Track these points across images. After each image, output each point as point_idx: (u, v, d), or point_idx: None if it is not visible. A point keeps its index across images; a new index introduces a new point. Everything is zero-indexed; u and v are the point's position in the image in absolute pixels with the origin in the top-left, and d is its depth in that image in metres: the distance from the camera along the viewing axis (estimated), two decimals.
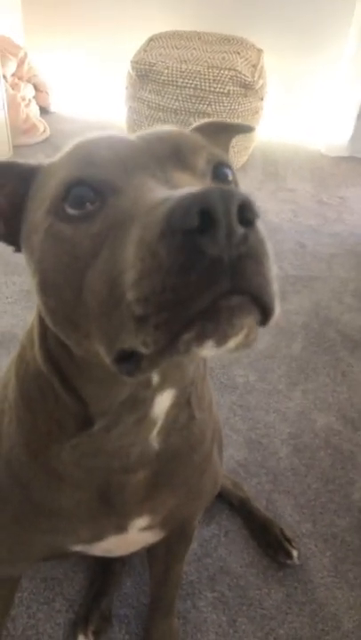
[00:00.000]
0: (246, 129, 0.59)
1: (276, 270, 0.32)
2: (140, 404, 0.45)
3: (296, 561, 0.98)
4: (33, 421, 0.51)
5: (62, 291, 0.36)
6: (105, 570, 0.96)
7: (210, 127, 0.52)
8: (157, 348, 0.31)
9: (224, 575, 0.98)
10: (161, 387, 0.45)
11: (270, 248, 0.31)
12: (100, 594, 0.93)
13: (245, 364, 1.42)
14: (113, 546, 0.60)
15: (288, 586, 0.98)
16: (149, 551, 0.84)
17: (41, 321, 0.47)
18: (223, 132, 0.55)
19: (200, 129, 0.51)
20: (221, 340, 0.31)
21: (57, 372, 0.47)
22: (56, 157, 0.43)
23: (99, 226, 0.35)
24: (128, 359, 0.33)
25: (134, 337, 0.31)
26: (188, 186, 0.34)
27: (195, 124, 0.52)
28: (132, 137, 0.41)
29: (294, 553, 0.98)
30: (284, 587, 0.97)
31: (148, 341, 0.30)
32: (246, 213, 0.29)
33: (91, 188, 0.36)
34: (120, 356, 0.34)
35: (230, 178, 0.41)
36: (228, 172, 0.41)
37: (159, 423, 0.48)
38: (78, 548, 0.60)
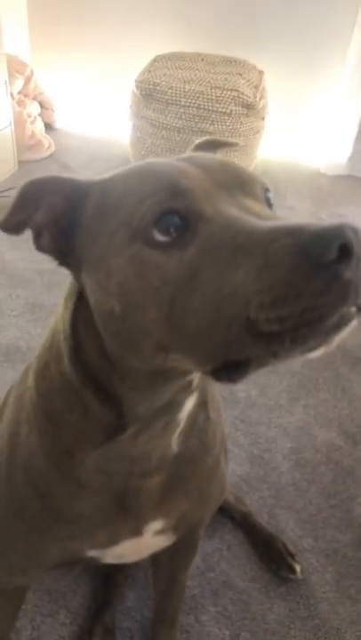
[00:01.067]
0: (235, 144, 0.65)
1: None
2: (174, 407, 0.48)
3: (299, 575, 0.99)
4: (56, 432, 0.52)
5: (148, 311, 0.39)
6: (108, 583, 0.97)
7: (210, 144, 0.56)
8: (289, 356, 0.36)
9: (227, 589, 0.99)
10: (196, 389, 0.47)
11: None
12: (104, 607, 0.93)
13: (247, 379, 1.44)
14: (127, 550, 0.62)
15: (290, 601, 0.98)
16: (154, 563, 0.85)
17: (73, 335, 0.48)
18: (220, 147, 0.59)
19: (203, 145, 0.55)
20: (329, 341, 0.36)
21: (91, 384, 0.48)
22: (109, 175, 0.44)
23: (193, 252, 0.38)
24: (228, 368, 0.38)
25: (260, 349, 0.35)
26: (267, 215, 0.39)
27: (199, 140, 0.56)
28: (184, 164, 0.43)
29: (297, 568, 0.99)
30: (287, 601, 0.98)
31: (281, 353, 0.35)
32: None
33: (180, 217, 0.39)
34: (220, 366, 0.38)
35: (272, 202, 0.45)
36: (270, 196, 0.45)
37: (181, 425, 0.50)
38: (93, 553, 0.61)
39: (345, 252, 0.33)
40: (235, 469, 1.20)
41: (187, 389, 0.47)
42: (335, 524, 1.11)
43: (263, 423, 1.32)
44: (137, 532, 0.58)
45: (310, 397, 1.40)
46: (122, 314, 0.40)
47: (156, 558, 0.83)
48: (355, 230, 0.33)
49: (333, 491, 1.17)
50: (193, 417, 0.52)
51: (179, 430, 0.51)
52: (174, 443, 0.51)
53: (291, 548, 1.03)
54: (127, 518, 0.56)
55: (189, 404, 0.49)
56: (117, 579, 0.97)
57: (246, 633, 0.93)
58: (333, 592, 1.00)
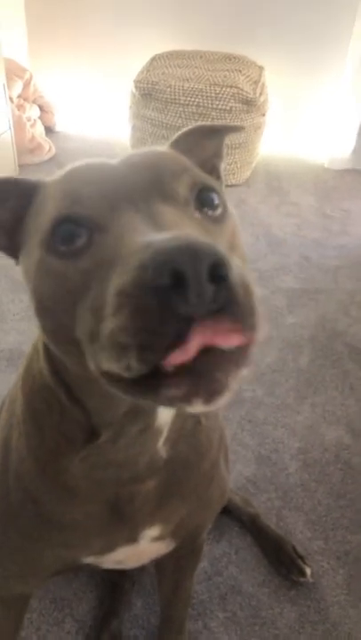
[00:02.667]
0: (234, 129, 0.57)
1: (262, 311, 0.33)
2: (141, 415, 0.45)
3: (310, 579, 0.97)
4: (40, 435, 0.51)
5: (58, 316, 0.38)
6: (115, 590, 0.95)
7: (195, 134, 0.51)
8: (137, 373, 0.31)
9: (235, 595, 0.97)
10: None
11: (249, 287, 0.32)
12: (110, 615, 0.92)
13: (253, 378, 1.42)
14: (124, 557, 0.60)
15: (301, 605, 0.96)
16: (158, 569, 0.83)
17: None
18: (211, 136, 0.53)
19: (186, 137, 0.50)
20: (210, 397, 0.31)
21: (62, 384, 0.47)
22: (55, 177, 0.43)
23: (87, 262, 0.36)
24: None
25: (117, 362, 0.32)
26: (170, 223, 0.35)
27: (179, 132, 0.51)
28: (117, 164, 0.41)
29: (308, 571, 0.97)
30: (297, 606, 0.96)
31: (130, 371, 0.31)
32: (219, 271, 0.29)
33: (77, 225, 0.37)
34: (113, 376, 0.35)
35: (216, 202, 0.41)
36: (214, 196, 0.41)
37: (165, 432, 0.48)
38: (90, 560, 0.60)
39: (179, 279, 0.28)
40: (241, 471, 1.18)
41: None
42: (345, 524, 1.09)
43: (270, 423, 1.30)
44: (132, 539, 0.57)
45: (318, 396, 1.38)
46: (40, 317, 0.40)
47: (159, 565, 0.81)
48: (198, 257, 0.29)
49: (343, 491, 1.15)
50: (179, 424, 0.50)
51: (163, 437, 0.49)
52: (161, 449, 0.50)
53: (300, 550, 1.01)
54: (122, 525, 0.55)
55: (166, 410, 0.46)
56: (124, 586, 0.95)
57: (256, 639, 0.91)
58: (345, 595, 0.98)
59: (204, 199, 0.40)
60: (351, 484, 1.16)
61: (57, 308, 0.38)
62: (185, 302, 0.29)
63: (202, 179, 0.41)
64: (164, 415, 0.47)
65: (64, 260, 0.37)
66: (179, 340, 0.29)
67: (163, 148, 0.44)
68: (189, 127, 0.51)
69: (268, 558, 1.01)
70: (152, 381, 0.31)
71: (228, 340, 0.31)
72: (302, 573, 0.96)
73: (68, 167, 0.43)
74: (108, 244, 0.36)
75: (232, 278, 0.30)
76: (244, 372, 0.32)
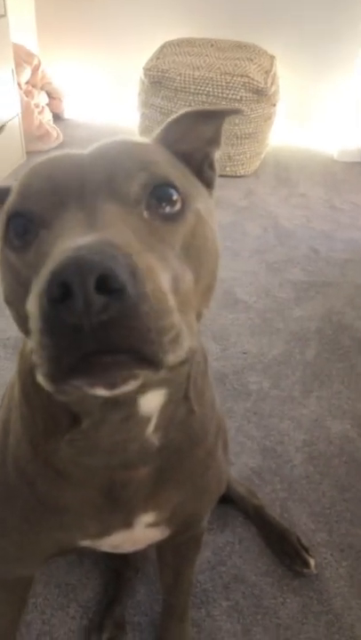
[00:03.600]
0: (231, 112, 0.55)
1: (172, 321, 0.34)
2: (121, 404, 0.45)
3: (313, 570, 0.97)
4: (32, 416, 0.53)
5: (16, 306, 0.41)
6: (118, 577, 0.96)
7: (188, 119, 0.49)
8: (51, 391, 0.34)
9: (239, 584, 0.97)
10: (142, 390, 0.45)
11: (159, 303, 0.33)
12: (114, 601, 0.93)
13: (259, 370, 1.42)
14: (120, 541, 0.61)
15: (304, 595, 0.96)
16: (159, 557, 0.84)
17: None
18: (207, 121, 0.51)
19: (177, 123, 0.49)
20: (109, 387, 0.34)
21: None
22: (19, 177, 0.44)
23: (31, 256, 0.38)
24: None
25: (38, 376, 0.35)
26: (106, 224, 0.36)
27: (170, 118, 0.49)
28: (83, 154, 0.42)
29: (312, 562, 0.97)
30: (300, 596, 0.96)
31: (44, 385, 0.34)
32: (110, 283, 0.30)
33: (27, 220, 0.39)
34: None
35: (174, 197, 0.40)
36: (171, 191, 0.40)
37: (154, 420, 0.48)
38: (86, 543, 0.61)
39: (67, 291, 0.30)
40: (246, 462, 1.18)
41: None
42: (349, 517, 1.09)
43: (276, 415, 1.30)
44: (127, 524, 0.57)
45: (324, 389, 1.38)
46: (7, 306, 0.43)
47: (160, 553, 0.82)
48: (85, 269, 0.30)
49: (347, 484, 1.15)
50: (170, 412, 0.50)
51: (152, 425, 0.49)
52: (152, 437, 0.50)
53: (305, 541, 1.01)
54: (116, 510, 0.55)
55: (151, 401, 0.46)
56: (128, 573, 0.96)
57: (258, 628, 0.92)
58: (348, 587, 0.98)
59: (160, 194, 0.39)
60: (356, 477, 1.16)
61: (15, 299, 0.40)
62: (72, 314, 0.30)
63: (161, 175, 0.40)
64: (150, 404, 0.47)
65: (16, 252, 0.40)
66: (74, 349, 0.31)
67: (127, 139, 0.44)
68: (181, 112, 0.49)
69: (272, 549, 1.01)
70: (62, 372, 0.33)
71: (116, 352, 0.32)
72: (306, 564, 0.97)
73: (34, 161, 0.44)
74: (47, 240, 0.37)
75: (130, 292, 0.31)
76: (149, 369, 0.34)
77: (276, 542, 1.01)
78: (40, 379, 0.34)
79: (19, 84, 2.25)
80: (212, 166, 0.51)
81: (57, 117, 2.66)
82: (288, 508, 1.10)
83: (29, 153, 2.35)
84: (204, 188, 0.49)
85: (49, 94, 2.62)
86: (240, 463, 1.18)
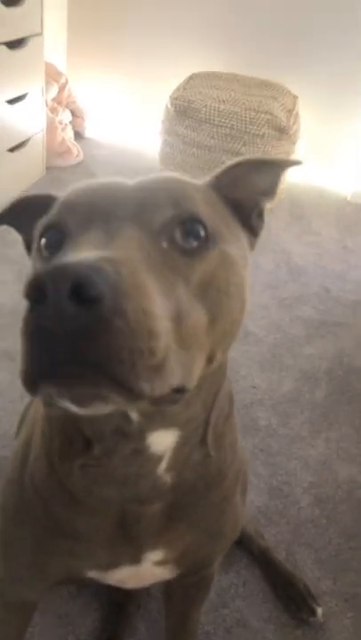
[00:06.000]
0: (289, 164, 0.56)
1: (157, 347, 0.32)
2: (129, 437, 0.45)
3: (320, 619, 0.95)
4: (50, 434, 0.53)
5: None
6: (119, 612, 0.93)
7: (242, 167, 0.50)
8: (23, 381, 0.34)
9: (241, 629, 0.95)
10: (149, 426, 0.45)
11: (140, 324, 0.32)
12: (113, 637, 0.90)
13: (268, 407, 1.41)
14: (126, 576, 0.60)
15: None
16: (166, 597, 0.82)
17: None
18: (261, 170, 0.51)
19: (231, 169, 0.49)
20: (78, 403, 0.34)
21: None
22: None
23: None
24: None
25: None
26: (117, 245, 0.36)
27: (231, 162, 0.50)
28: (130, 183, 0.43)
29: (319, 611, 0.95)
30: None
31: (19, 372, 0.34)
32: (84, 292, 0.30)
33: (59, 232, 0.41)
34: None
35: (202, 233, 0.40)
36: (199, 227, 0.40)
37: (166, 459, 0.48)
38: (93, 574, 0.60)
39: (37, 295, 0.31)
40: (253, 500, 1.16)
41: (126, 420, 0.44)
42: (355, 567, 1.07)
43: (283, 454, 1.28)
44: (136, 559, 0.57)
45: (332, 430, 1.37)
46: None
47: (168, 593, 0.81)
48: (58, 275, 0.30)
49: (355, 532, 1.13)
50: (184, 454, 0.49)
51: (164, 464, 0.48)
52: (165, 475, 0.49)
53: (312, 588, 0.99)
54: (126, 544, 0.55)
55: (162, 439, 0.46)
56: (129, 608, 0.94)
57: None
58: (352, 639, 0.96)
59: (188, 228, 0.40)
60: None
61: None
62: (42, 316, 0.31)
63: (190, 210, 0.41)
64: (160, 442, 0.47)
65: (43, 264, 0.42)
66: (45, 354, 0.32)
67: (172, 176, 0.45)
68: (240, 159, 0.50)
69: (277, 593, 0.99)
70: (34, 376, 0.33)
71: (84, 365, 0.32)
72: (313, 613, 0.95)
73: (82, 181, 0.45)
74: (66, 252, 0.39)
75: (106, 305, 0.30)
76: (120, 392, 0.32)
77: (281, 587, 0.99)
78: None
79: (45, 101, 2.28)
80: (261, 216, 0.52)
81: (78, 135, 2.69)
82: (293, 551, 1.08)
83: (49, 168, 2.37)
84: (244, 235, 0.49)
85: (72, 113, 2.66)
86: (247, 501, 1.16)
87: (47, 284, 0.30)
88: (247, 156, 0.51)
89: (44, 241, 0.42)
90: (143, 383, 0.32)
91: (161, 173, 0.45)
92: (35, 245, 0.44)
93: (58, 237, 0.40)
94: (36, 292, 0.31)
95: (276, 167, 0.54)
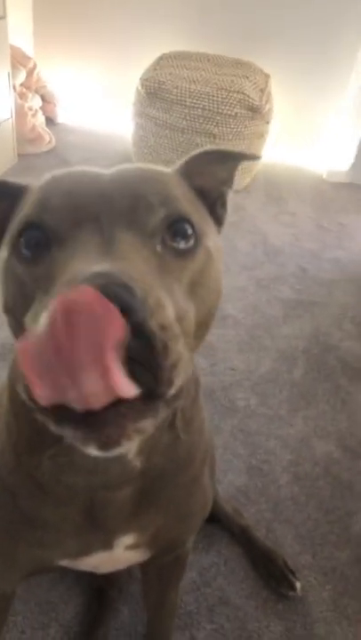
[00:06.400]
0: (248, 157, 0.57)
1: (181, 353, 0.33)
2: None
3: (299, 593, 0.97)
4: (18, 427, 0.52)
5: (15, 316, 0.40)
6: (101, 596, 0.94)
7: (208, 156, 0.51)
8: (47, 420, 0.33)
9: (223, 606, 0.97)
10: None
11: (166, 339, 0.32)
12: (97, 622, 0.91)
13: (247, 387, 1.42)
14: (99, 562, 0.61)
15: (287, 619, 0.96)
16: (144, 579, 0.83)
17: None
18: (224, 160, 0.53)
19: (198, 158, 0.50)
20: (103, 446, 0.32)
21: None
22: (37, 183, 0.44)
23: (40, 272, 0.38)
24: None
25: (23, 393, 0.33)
26: (121, 253, 0.36)
27: (194, 152, 0.50)
28: (104, 175, 0.42)
29: (298, 585, 0.97)
30: (284, 620, 0.96)
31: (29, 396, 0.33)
32: (134, 320, 0.30)
33: (41, 233, 0.39)
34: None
35: (189, 232, 0.41)
36: (187, 227, 0.41)
37: (136, 444, 0.48)
38: (65, 562, 0.60)
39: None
40: (233, 480, 1.18)
41: None
42: (333, 540, 1.09)
43: (262, 433, 1.30)
44: (107, 544, 0.57)
45: (310, 409, 1.39)
46: (4, 313, 0.42)
47: (145, 575, 0.81)
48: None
49: (332, 506, 1.16)
50: (153, 438, 0.50)
51: (134, 449, 0.49)
52: (135, 459, 0.50)
53: (291, 564, 1.01)
54: (97, 531, 0.55)
55: None
56: (111, 593, 0.95)
57: None
58: (331, 612, 0.98)
59: (176, 229, 0.40)
60: (340, 499, 1.17)
61: (15, 308, 0.40)
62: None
63: (179, 210, 0.41)
64: None
65: (23, 264, 0.39)
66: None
67: (151, 171, 0.44)
68: (204, 148, 0.51)
69: (258, 570, 1.01)
70: (59, 416, 0.31)
71: (122, 389, 0.30)
72: (292, 587, 0.97)
73: (51, 173, 0.44)
74: (59, 258, 0.37)
75: (147, 328, 0.31)
76: (148, 422, 0.32)
77: (261, 564, 1.01)
78: (24, 397, 0.33)
79: (13, 86, 2.22)
80: (224, 205, 0.53)
81: (50, 121, 2.64)
82: (273, 529, 1.10)
83: (21, 156, 2.32)
84: (213, 225, 0.49)
85: (43, 98, 2.61)
86: (226, 481, 1.17)
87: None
88: (210, 147, 0.52)
89: (22, 241, 0.40)
90: (169, 388, 0.33)
91: (136, 165, 0.44)
92: (9, 240, 0.41)
93: (39, 237, 0.39)
94: None
95: (235, 159, 0.54)
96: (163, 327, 0.32)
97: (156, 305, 0.33)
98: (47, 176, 0.43)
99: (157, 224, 0.40)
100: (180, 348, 0.34)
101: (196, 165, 0.49)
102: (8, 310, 0.41)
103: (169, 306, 0.35)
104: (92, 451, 0.32)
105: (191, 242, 0.41)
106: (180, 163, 0.49)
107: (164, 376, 0.32)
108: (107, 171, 0.43)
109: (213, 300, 0.43)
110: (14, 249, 0.40)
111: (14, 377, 0.53)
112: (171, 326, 0.33)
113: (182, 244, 0.40)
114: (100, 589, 0.95)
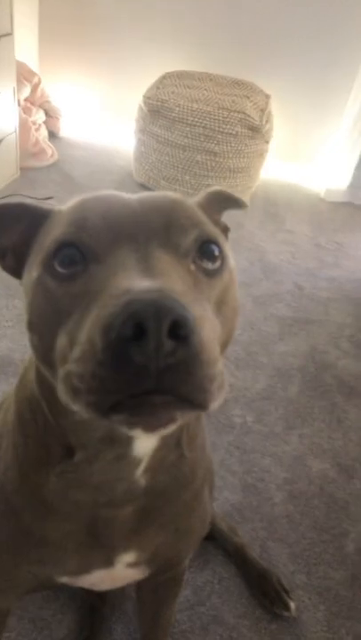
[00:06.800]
0: (243, 206, 0.61)
1: (220, 368, 0.36)
2: (117, 443, 0.46)
3: (294, 613, 0.97)
4: (25, 444, 0.53)
5: (43, 333, 0.40)
6: (94, 614, 0.94)
7: (217, 195, 0.54)
8: (89, 418, 0.35)
9: (217, 626, 0.96)
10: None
11: (210, 353, 0.34)
12: (90, 639, 0.90)
13: (243, 404, 1.43)
14: (98, 580, 0.61)
15: (281, 639, 0.96)
16: (139, 596, 0.83)
17: None
18: (226, 201, 0.56)
19: (212, 194, 0.53)
20: (149, 428, 0.35)
21: (46, 396, 0.49)
22: (64, 207, 0.46)
23: (77, 288, 0.39)
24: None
25: (71, 401, 0.35)
26: (160, 271, 0.37)
27: (211, 189, 0.54)
28: (132, 199, 0.44)
29: (292, 605, 0.97)
30: None
31: (81, 411, 0.35)
32: (179, 330, 0.32)
33: (78, 251, 0.40)
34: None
35: (217, 253, 0.43)
36: (215, 248, 0.43)
37: (145, 462, 0.49)
38: (65, 579, 0.60)
39: (138, 331, 0.31)
40: (228, 497, 1.18)
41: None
42: (328, 560, 1.09)
43: (258, 451, 1.30)
44: (108, 562, 0.57)
45: (306, 427, 1.39)
46: (29, 330, 0.43)
47: (140, 592, 0.81)
48: (162, 314, 0.31)
49: (327, 525, 1.16)
50: (161, 456, 0.50)
51: (142, 467, 0.49)
52: (141, 478, 0.50)
53: (285, 583, 1.01)
54: (98, 548, 0.55)
55: (145, 443, 0.47)
56: (104, 610, 0.94)
57: None
58: (325, 632, 0.98)
59: (205, 250, 0.42)
60: (335, 519, 1.18)
61: (43, 326, 0.40)
62: (142, 354, 0.31)
63: (208, 232, 0.43)
64: (143, 446, 0.48)
65: (58, 281, 0.40)
66: (132, 386, 0.33)
67: (180, 197, 0.47)
68: (218, 188, 0.55)
69: (252, 590, 1.01)
70: (108, 405, 0.34)
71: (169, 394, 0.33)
72: (286, 607, 0.97)
73: (82, 195, 0.45)
74: (99, 276, 0.38)
75: (192, 340, 0.33)
76: (189, 413, 0.36)
77: (255, 583, 1.01)
78: (77, 406, 0.35)
79: (18, 101, 2.25)
80: (225, 229, 0.56)
81: (52, 135, 2.67)
82: (268, 547, 1.10)
83: (23, 169, 2.35)
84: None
85: (46, 112, 2.64)
86: (221, 498, 1.18)
87: (149, 323, 0.31)
88: (222, 189, 0.55)
89: (57, 259, 0.41)
90: (215, 402, 0.35)
91: (164, 193, 0.46)
92: (41, 260, 0.42)
93: (74, 255, 0.40)
94: (136, 329, 0.31)
95: (236, 204, 0.58)
96: (208, 341, 0.35)
97: (201, 319, 0.35)
98: (76, 198, 0.45)
99: (190, 244, 0.41)
100: (220, 364, 0.36)
101: (210, 200, 0.52)
102: (34, 328, 0.42)
103: (208, 322, 0.37)
104: (138, 434, 0.35)
105: (218, 263, 0.43)
106: (198, 196, 0.52)
107: (212, 387, 0.34)
108: (133, 195, 0.45)
109: (234, 319, 0.45)
110: (47, 267, 0.41)
111: (24, 394, 0.53)
112: (213, 340, 0.36)
113: (210, 265, 0.42)
114: (93, 607, 0.94)
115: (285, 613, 0.97)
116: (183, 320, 0.32)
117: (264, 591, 0.99)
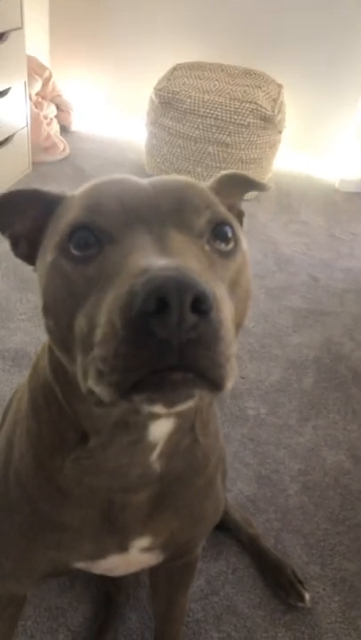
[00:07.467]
0: (264, 188, 0.60)
1: (234, 350, 0.36)
2: (132, 427, 0.46)
3: (308, 604, 0.96)
4: (39, 431, 0.53)
5: (59, 317, 0.41)
6: (110, 602, 0.95)
7: (232, 178, 0.53)
8: (111, 400, 0.35)
9: (231, 615, 0.97)
10: (154, 415, 0.46)
11: (227, 332, 0.35)
12: (105, 627, 0.91)
13: (256, 396, 1.42)
14: (113, 565, 0.62)
15: (295, 630, 0.96)
16: (153, 584, 0.83)
17: None
18: (242, 184, 0.56)
19: (225, 178, 0.52)
20: (169, 404, 0.36)
21: (61, 382, 0.49)
22: (76, 192, 0.46)
23: (93, 270, 0.39)
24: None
25: (95, 384, 0.36)
26: (176, 251, 0.37)
27: (223, 173, 0.53)
28: (144, 183, 0.44)
29: (307, 596, 0.97)
30: (291, 631, 0.96)
31: (103, 394, 0.35)
32: (200, 305, 0.32)
33: (93, 234, 0.40)
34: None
35: (230, 235, 0.43)
36: (228, 230, 0.43)
37: (159, 447, 0.49)
38: (81, 565, 0.61)
39: (160, 306, 0.32)
40: (242, 489, 1.18)
41: (135, 412, 0.45)
42: (343, 551, 1.09)
43: (272, 443, 1.30)
44: (123, 547, 0.58)
45: (320, 418, 1.38)
46: (45, 315, 0.43)
47: (154, 580, 0.82)
48: (184, 288, 0.32)
49: (342, 517, 1.15)
50: (175, 441, 0.51)
51: (157, 451, 0.50)
52: (155, 463, 0.50)
53: (299, 574, 1.01)
54: (113, 533, 0.56)
55: (160, 428, 0.47)
56: (119, 599, 0.95)
57: None
58: (339, 623, 0.98)
59: (218, 232, 0.42)
60: (350, 510, 1.17)
61: (59, 309, 0.40)
62: (165, 327, 0.32)
63: (221, 214, 0.43)
64: (158, 431, 0.48)
65: (74, 263, 0.40)
66: (154, 361, 0.33)
67: (191, 180, 0.47)
68: (231, 171, 0.55)
69: (266, 580, 1.01)
70: (130, 383, 0.34)
71: (189, 371, 0.34)
72: (301, 598, 0.96)
73: (94, 180, 0.45)
74: (115, 256, 0.38)
75: (213, 315, 0.33)
76: (203, 394, 0.36)
77: (270, 573, 1.01)
78: (100, 388, 0.35)
79: (29, 96, 2.26)
80: (240, 213, 0.56)
81: (64, 129, 2.67)
82: (282, 538, 1.10)
83: (35, 163, 2.36)
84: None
85: (57, 106, 2.64)
86: (235, 490, 1.18)
87: (172, 297, 0.32)
88: (237, 172, 0.55)
89: (73, 241, 0.41)
90: (230, 381, 0.36)
91: (176, 176, 0.47)
92: (55, 244, 0.42)
93: (89, 238, 0.40)
94: (158, 303, 0.32)
95: (254, 186, 0.57)
96: (226, 317, 0.35)
97: (219, 297, 0.35)
98: (89, 183, 0.45)
99: (204, 225, 0.42)
100: (234, 347, 0.36)
101: (225, 183, 0.52)
102: (49, 313, 0.42)
103: (224, 301, 0.38)
104: (158, 408, 0.36)
105: (231, 244, 0.43)
106: (211, 181, 0.52)
107: (228, 365, 0.35)
108: (145, 179, 0.45)
109: (247, 301, 0.45)
110: (62, 251, 0.41)
111: (38, 381, 0.54)
112: (229, 320, 0.36)
113: (223, 246, 0.43)
114: (108, 596, 0.95)
115: (300, 604, 0.96)
116: (204, 295, 0.32)
117: (278, 582, 0.99)
